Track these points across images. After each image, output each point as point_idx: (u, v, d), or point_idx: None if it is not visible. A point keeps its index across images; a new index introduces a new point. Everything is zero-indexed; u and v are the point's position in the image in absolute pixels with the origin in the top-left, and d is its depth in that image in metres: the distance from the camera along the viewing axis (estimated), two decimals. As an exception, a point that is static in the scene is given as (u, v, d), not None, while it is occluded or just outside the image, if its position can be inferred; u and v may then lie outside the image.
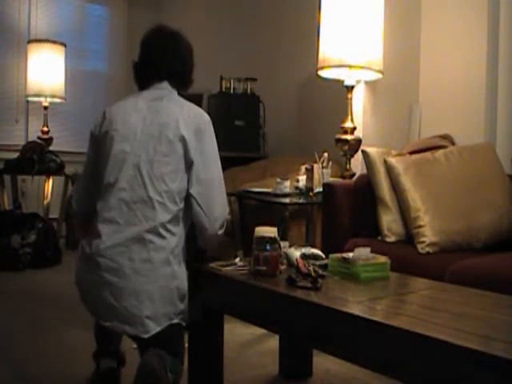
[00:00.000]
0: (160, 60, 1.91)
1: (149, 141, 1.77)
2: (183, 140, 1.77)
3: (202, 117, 1.88)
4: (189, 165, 1.79)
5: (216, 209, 1.81)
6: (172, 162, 1.76)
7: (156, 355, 1.69)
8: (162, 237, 1.72)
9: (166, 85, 1.91)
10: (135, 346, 1.98)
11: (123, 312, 1.69)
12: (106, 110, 1.88)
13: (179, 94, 1.95)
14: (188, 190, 1.79)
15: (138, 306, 1.68)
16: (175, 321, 1.75)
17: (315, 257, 1.81)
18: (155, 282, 1.70)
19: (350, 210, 2.58)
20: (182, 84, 1.97)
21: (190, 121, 1.82)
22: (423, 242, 2.23)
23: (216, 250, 1.97)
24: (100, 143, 1.85)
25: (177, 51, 1.94)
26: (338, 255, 1.73)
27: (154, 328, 1.70)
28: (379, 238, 2.44)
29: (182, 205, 1.79)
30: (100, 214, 1.76)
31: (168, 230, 1.74)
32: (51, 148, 4.83)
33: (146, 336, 1.70)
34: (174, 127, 1.78)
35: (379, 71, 3.15)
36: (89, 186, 1.91)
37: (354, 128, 3.27)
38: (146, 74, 1.93)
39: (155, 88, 1.90)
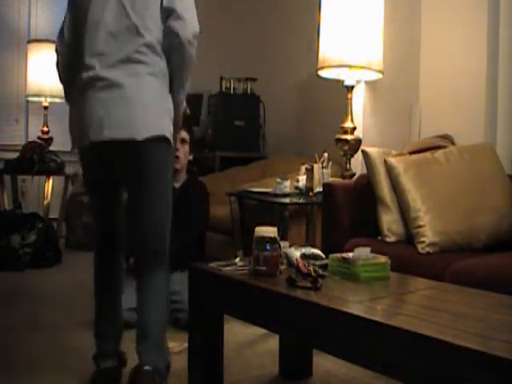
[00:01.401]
0: None
1: None
2: None
3: None
4: None
5: (188, 14, 1.83)
6: None
7: (152, 374, 1.73)
8: (148, 55, 1.80)
9: None
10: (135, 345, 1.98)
11: (114, 120, 1.75)
12: None
13: None
14: (162, 6, 1.82)
15: (129, 113, 1.76)
16: (166, 134, 1.82)
17: (315, 257, 1.81)
18: (144, 91, 1.79)
19: (350, 210, 2.58)
20: None
21: None
22: (423, 242, 2.23)
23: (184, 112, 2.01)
24: None
25: None
26: (338, 255, 1.73)
27: (146, 132, 1.76)
28: (379, 237, 2.44)
29: None
30: (88, 49, 1.81)
31: (153, 50, 1.81)
32: (51, 148, 4.83)
33: (139, 138, 1.74)
34: None
35: (379, 71, 3.15)
36: (72, 36, 1.91)
37: (354, 128, 3.27)
38: None
39: None
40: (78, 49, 1.85)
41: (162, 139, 1.81)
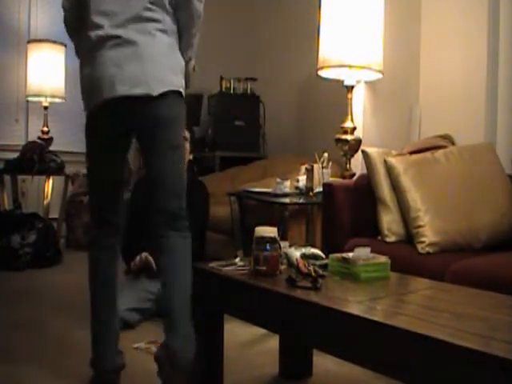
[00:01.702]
0: None
1: None
2: None
3: None
4: None
5: None
6: None
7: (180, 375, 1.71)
8: (157, 12, 1.81)
9: None
10: (135, 345, 1.98)
11: (128, 76, 1.75)
12: None
13: None
14: None
15: (142, 69, 1.76)
16: (180, 89, 1.83)
17: (315, 257, 1.81)
18: (157, 49, 1.79)
19: (350, 210, 2.58)
20: None
21: None
22: (423, 242, 2.23)
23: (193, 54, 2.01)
24: None
25: None
26: (338, 255, 1.73)
27: (160, 88, 1.76)
28: (379, 237, 2.44)
29: None
30: (94, 7, 1.80)
31: (161, 7, 1.82)
32: (51, 148, 4.82)
33: (153, 93, 1.75)
34: None
35: (379, 71, 3.15)
36: None
37: (354, 128, 3.27)
38: None
39: None
40: (84, 7, 1.84)
41: (176, 94, 1.82)
